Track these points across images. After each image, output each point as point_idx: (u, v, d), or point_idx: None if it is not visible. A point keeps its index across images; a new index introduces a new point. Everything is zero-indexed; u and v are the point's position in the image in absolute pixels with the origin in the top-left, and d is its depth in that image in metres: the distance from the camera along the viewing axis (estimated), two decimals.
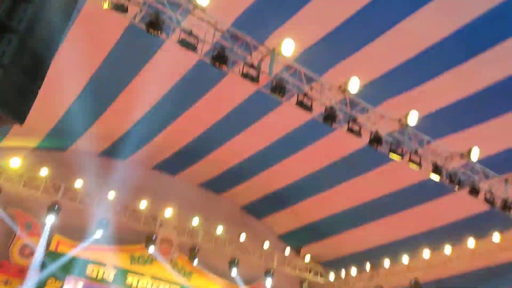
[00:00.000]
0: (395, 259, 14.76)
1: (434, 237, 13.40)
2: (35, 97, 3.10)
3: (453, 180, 9.99)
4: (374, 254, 15.20)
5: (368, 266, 15.53)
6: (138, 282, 14.09)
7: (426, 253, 13.75)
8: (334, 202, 14.54)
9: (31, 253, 12.81)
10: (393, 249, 14.56)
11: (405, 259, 14.41)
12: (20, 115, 3.12)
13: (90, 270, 13.39)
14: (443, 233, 13.17)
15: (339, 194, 14.03)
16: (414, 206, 13.24)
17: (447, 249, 13.26)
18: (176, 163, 14.99)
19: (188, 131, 12.92)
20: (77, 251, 13.23)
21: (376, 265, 15.32)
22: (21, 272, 12.48)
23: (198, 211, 14.87)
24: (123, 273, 13.92)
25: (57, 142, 13.28)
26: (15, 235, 12.66)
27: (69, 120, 11.67)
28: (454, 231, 12.84)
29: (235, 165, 14.26)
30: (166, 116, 12.30)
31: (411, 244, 14.00)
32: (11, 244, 12.54)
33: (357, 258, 15.81)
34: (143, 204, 13.81)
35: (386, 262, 14.94)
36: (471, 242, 12.56)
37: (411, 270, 14.31)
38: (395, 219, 13.84)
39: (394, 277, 14.77)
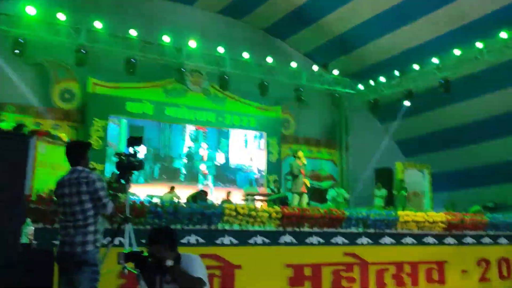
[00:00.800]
0: (423, 62, 14.66)
1: (464, 34, 13.02)
2: None
3: None
4: (402, 60, 15.09)
5: (396, 72, 15.54)
6: (176, 112, 14.91)
7: (456, 52, 13.50)
8: (359, 11, 14.01)
9: (72, 97, 13.52)
10: (421, 52, 14.36)
11: (434, 60, 14.28)
12: None
13: (130, 107, 14.14)
14: (474, 29, 12.74)
15: (363, 3, 13.43)
16: (443, 5, 12.67)
17: (478, 44, 12.92)
18: None
19: None
20: (114, 91, 13.82)
21: (404, 71, 15.35)
22: (67, 116, 13.35)
23: (221, 39, 14.74)
24: (161, 106, 14.65)
25: None
26: (51, 83, 13.21)
27: None
28: (485, 25, 12.38)
29: None
30: None
31: (440, 44, 13.73)
32: (49, 91, 13.15)
33: (385, 66, 15.80)
34: (166, 38, 13.69)
35: (415, 66, 14.89)
36: (503, 34, 12.13)
37: (440, 70, 14.29)
38: (423, 21, 13.37)
39: (423, 80, 14.88)
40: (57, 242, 4.40)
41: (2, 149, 2.39)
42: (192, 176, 15.26)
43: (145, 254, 2.85)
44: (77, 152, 4.09)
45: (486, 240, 7.82)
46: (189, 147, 15.49)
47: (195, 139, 15.63)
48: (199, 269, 3.01)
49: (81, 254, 3.79)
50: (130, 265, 3.61)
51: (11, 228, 2.50)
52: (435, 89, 14.49)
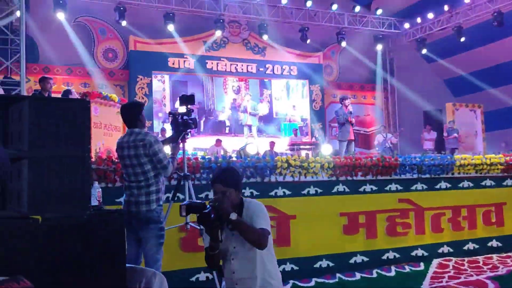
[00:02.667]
0: None
1: None
2: None
3: None
4: None
5: (445, 7, 14.64)
6: (217, 65, 14.83)
7: None
8: None
9: (115, 56, 13.69)
10: None
11: None
12: None
13: (171, 62, 14.16)
14: None
15: None
16: None
17: None
18: None
19: None
20: (155, 47, 13.85)
21: (454, 3, 14.43)
22: (112, 75, 13.56)
23: None
24: (202, 60, 14.59)
25: None
26: (94, 43, 13.38)
27: None
28: None
29: None
30: None
31: None
32: (93, 51, 13.35)
33: (433, 2, 14.90)
34: None
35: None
36: None
37: (492, 2, 13.39)
38: None
39: (475, 13, 14.01)
40: (119, 201, 4.58)
41: (68, 115, 2.47)
42: (237, 128, 15.36)
43: (207, 207, 2.76)
44: (132, 113, 4.12)
45: None
46: (233, 99, 15.51)
47: (237, 91, 15.60)
48: (263, 217, 2.88)
49: (147, 212, 3.92)
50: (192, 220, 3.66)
51: (83, 190, 2.58)
52: (486, 23, 13.65)
